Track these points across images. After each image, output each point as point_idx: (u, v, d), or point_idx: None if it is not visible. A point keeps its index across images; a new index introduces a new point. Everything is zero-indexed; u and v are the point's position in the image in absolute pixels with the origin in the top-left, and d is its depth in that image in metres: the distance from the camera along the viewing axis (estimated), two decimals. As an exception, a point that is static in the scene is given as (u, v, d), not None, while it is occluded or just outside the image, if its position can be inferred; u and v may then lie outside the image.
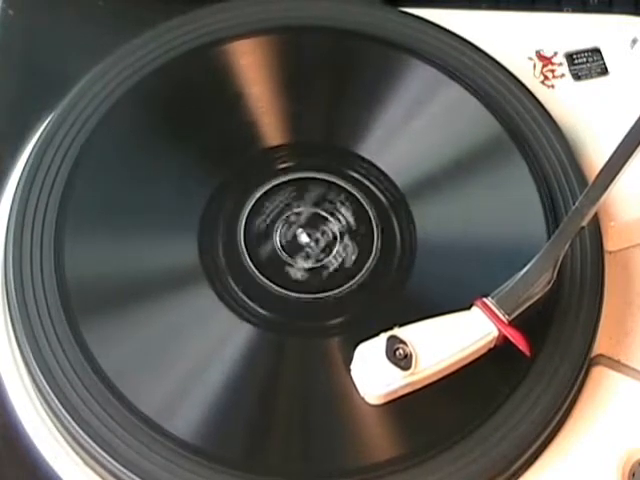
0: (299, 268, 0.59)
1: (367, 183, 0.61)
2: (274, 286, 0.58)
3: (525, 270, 0.54)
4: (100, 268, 0.57)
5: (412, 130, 0.62)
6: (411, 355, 0.51)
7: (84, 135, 0.60)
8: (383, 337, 0.51)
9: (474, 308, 0.53)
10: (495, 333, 0.53)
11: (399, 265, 0.59)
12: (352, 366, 0.52)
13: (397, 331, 0.52)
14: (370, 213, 0.60)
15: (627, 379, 0.58)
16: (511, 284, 0.54)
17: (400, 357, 0.51)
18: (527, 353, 0.53)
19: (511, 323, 0.53)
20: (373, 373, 0.51)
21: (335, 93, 0.64)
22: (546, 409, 0.55)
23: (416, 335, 0.52)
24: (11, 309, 0.56)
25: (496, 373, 0.55)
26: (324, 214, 0.60)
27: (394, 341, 0.51)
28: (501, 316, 0.53)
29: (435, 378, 0.52)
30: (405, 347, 0.51)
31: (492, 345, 0.53)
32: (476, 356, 0.53)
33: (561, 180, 0.61)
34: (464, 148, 0.62)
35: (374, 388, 0.51)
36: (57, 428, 0.55)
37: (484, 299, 0.53)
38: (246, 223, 0.60)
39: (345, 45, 0.65)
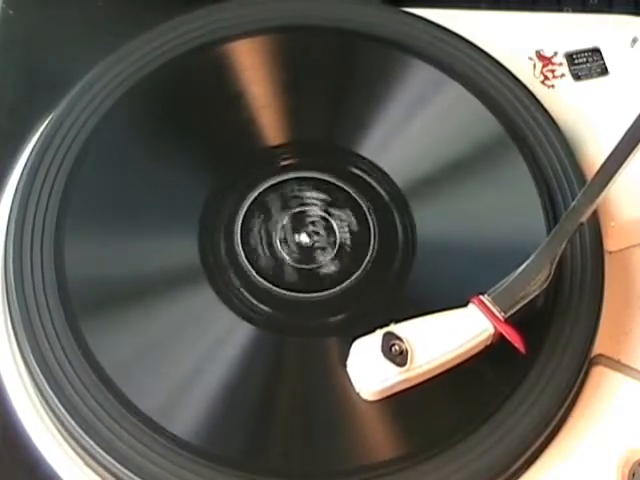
0: (298, 267, 0.59)
1: (367, 182, 0.61)
2: (273, 285, 0.58)
3: (522, 268, 0.54)
4: (100, 268, 0.57)
5: (412, 130, 0.62)
6: (407, 351, 0.51)
7: (84, 135, 0.60)
8: (379, 333, 0.51)
9: (470, 305, 0.53)
10: (491, 330, 0.53)
11: (399, 264, 0.59)
12: (348, 362, 0.52)
13: (393, 327, 0.52)
14: (370, 212, 0.60)
15: (627, 379, 0.58)
16: (508, 281, 0.54)
17: (396, 353, 0.51)
18: (523, 350, 0.53)
19: (507, 320, 0.53)
20: (369, 369, 0.51)
21: (335, 93, 0.64)
22: (546, 409, 0.55)
23: (412, 332, 0.52)
24: (11, 309, 0.56)
25: (496, 373, 0.55)
26: (323, 214, 0.60)
27: (390, 337, 0.51)
28: (497, 313, 0.53)
29: (431, 375, 0.52)
30: (401, 343, 0.51)
31: (488, 342, 0.53)
32: (472, 353, 0.53)
33: (561, 179, 0.61)
34: (464, 148, 0.62)
35: (369, 384, 0.51)
36: (57, 428, 0.55)
37: (480, 296, 0.53)
38: (245, 222, 0.60)
39: (345, 45, 0.65)
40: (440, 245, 0.59)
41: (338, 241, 0.60)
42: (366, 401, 0.52)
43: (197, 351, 0.55)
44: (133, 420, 0.53)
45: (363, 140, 0.62)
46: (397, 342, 0.51)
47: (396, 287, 0.58)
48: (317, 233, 0.60)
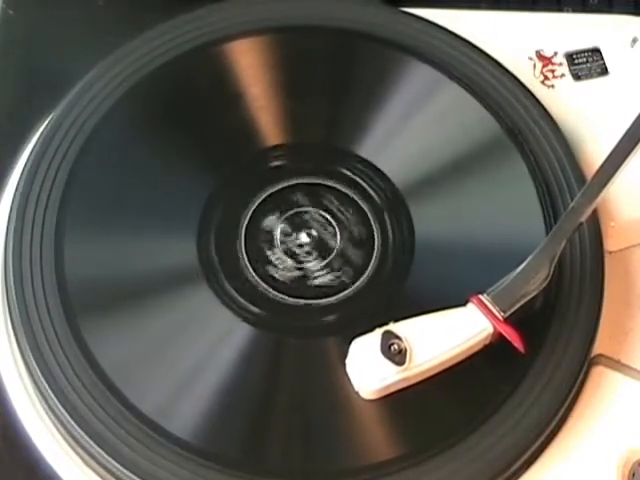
0: (298, 267, 0.59)
1: (366, 183, 0.61)
2: (273, 286, 0.58)
3: (521, 267, 0.54)
4: (100, 268, 0.57)
5: (411, 130, 0.62)
6: (406, 350, 0.51)
7: (84, 135, 0.60)
8: (378, 332, 0.52)
9: (469, 304, 0.53)
10: (490, 330, 0.53)
11: (398, 264, 0.59)
12: (347, 361, 0.52)
13: (392, 326, 0.52)
14: (369, 213, 0.60)
15: (627, 379, 0.58)
16: (507, 281, 0.54)
17: (395, 352, 0.51)
18: (521, 349, 0.53)
19: (507, 320, 0.53)
20: (368, 368, 0.51)
21: (335, 93, 0.64)
22: (546, 409, 0.55)
23: (411, 331, 0.52)
24: (11, 309, 0.56)
25: (496, 372, 0.55)
26: (323, 214, 0.60)
27: (389, 336, 0.51)
28: (496, 313, 0.53)
29: (430, 374, 0.52)
30: (400, 342, 0.51)
31: (487, 342, 0.53)
32: (471, 352, 0.53)
33: (560, 180, 0.61)
34: (463, 148, 0.62)
35: (368, 383, 0.51)
36: (57, 428, 0.55)
37: (479, 295, 0.53)
38: (245, 223, 0.60)
39: (345, 45, 0.65)
40: (439, 245, 0.59)
41: (338, 241, 0.60)
42: (365, 400, 0.52)
43: (196, 351, 0.55)
44: (132, 420, 0.53)
45: (362, 141, 0.62)
46: (396, 341, 0.51)
47: (395, 287, 0.58)
48: (317, 234, 0.60)
